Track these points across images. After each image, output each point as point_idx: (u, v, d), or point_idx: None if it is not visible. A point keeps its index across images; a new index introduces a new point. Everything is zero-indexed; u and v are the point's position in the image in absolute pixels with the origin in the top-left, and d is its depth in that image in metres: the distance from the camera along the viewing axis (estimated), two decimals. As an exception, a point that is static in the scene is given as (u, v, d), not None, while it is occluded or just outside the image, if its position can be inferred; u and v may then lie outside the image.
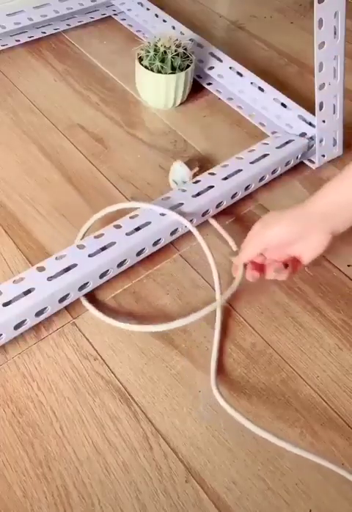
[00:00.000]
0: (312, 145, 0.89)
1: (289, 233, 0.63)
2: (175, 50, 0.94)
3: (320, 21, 0.78)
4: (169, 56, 0.93)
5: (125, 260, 0.71)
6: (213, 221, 0.80)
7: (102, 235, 0.71)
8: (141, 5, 1.20)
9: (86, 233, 0.74)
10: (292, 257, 0.65)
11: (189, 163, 0.84)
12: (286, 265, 0.65)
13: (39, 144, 0.90)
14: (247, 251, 0.67)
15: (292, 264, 0.65)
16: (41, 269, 0.66)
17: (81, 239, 0.73)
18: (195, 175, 0.82)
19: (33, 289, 0.64)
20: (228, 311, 0.71)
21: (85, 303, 0.69)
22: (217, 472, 0.57)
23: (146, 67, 0.95)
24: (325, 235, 0.62)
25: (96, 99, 1.00)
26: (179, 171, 0.84)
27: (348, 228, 0.61)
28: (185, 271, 0.75)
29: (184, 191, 0.78)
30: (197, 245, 0.77)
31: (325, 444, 0.60)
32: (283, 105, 0.96)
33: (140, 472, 0.57)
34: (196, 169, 0.84)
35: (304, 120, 0.92)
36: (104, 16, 1.20)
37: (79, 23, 1.16)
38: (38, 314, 0.65)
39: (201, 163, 0.87)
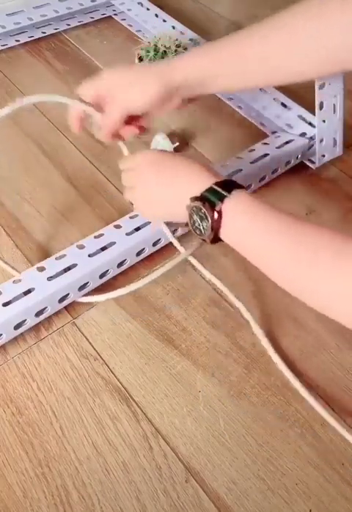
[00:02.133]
0: (312, 145, 0.89)
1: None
2: (175, 50, 0.94)
3: (320, 21, 0.77)
4: (169, 56, 0.93)
5: (125, 260, 0.71)
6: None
7: (102, 235, 0.71)
8: (141, 5, 1.20)
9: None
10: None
11: (170, 137, 0.88)
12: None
13: (39, 144, 0.90)
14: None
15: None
16: (41, 269, 0.66)
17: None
18: (175, 149, 0.88)
19: (33, 289, 0.64)
20: (228, 311, 0.71)
21: (86, 298, 0.70)
22: (217, 472, 0.57)
23: (146, 67, 0.95)
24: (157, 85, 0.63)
25: (96, 99, 1.00)
26: (161, 143, 0.87)
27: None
28: (185, 271, 0.75)
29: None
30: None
31: (326, 444, 0.60)
32: (283, 105, 0.96)
33: (140, 472, 0.57)
34: (177, 143, 0.88)
35: (304, 120, 0.92)
36: (104, 16, 1.20)
37: (79, 23, 1.16)
38: (38, 314, 0.65)
39: (181, 140, 0.91)
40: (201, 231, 0.54)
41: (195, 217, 0.54)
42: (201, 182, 0.55)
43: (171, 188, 0.59)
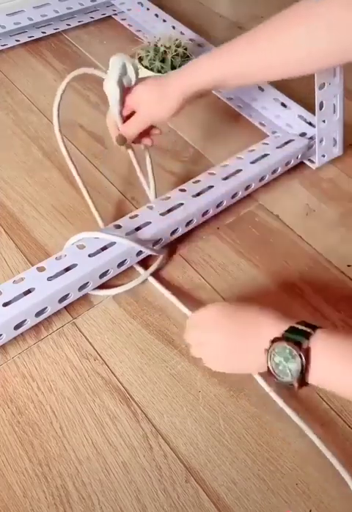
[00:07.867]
0: (312, 145, 0.89)
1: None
2: (175, 50, 0.94)
3: (320, 21, 0.77)
4: (169, 56, 0.94)
5: (124, 260, 0.71)
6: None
7: (102, 235, 0.71)
8: (141, 5, 1.20)
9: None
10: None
11: None
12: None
13: (39, 144, 0.90)
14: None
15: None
16: (41, 269, 0.66)
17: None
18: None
19: (33, 289, 0.64)
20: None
21: (99, 292, 0.70)
22: (217, 472, 0.57)
23: (146, 67, 0.95)
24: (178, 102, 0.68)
25: (96, 99, 1.00)
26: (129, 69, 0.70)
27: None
28: (185, 271, 0.75)
29: (184, 191, 0.78)
30: (196, 245, 0.78)
31: (326, 444, 0.60)
32: (283, 104, 0.96)
33: (140, 472, 0.57)
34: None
35: (304, 120, 0.92)
36: (104, 16, 1.20)
37: (79, 23, 1.16)
38: (38, 314, 0.65)
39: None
40: (287, 373, 0.50)
41: (278, 359, 0.51)
42: (278, 325, 0.52)
43: (243, 338, 0.56)
